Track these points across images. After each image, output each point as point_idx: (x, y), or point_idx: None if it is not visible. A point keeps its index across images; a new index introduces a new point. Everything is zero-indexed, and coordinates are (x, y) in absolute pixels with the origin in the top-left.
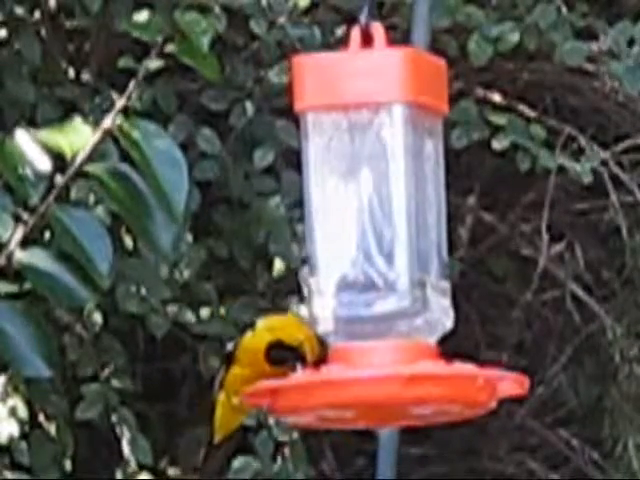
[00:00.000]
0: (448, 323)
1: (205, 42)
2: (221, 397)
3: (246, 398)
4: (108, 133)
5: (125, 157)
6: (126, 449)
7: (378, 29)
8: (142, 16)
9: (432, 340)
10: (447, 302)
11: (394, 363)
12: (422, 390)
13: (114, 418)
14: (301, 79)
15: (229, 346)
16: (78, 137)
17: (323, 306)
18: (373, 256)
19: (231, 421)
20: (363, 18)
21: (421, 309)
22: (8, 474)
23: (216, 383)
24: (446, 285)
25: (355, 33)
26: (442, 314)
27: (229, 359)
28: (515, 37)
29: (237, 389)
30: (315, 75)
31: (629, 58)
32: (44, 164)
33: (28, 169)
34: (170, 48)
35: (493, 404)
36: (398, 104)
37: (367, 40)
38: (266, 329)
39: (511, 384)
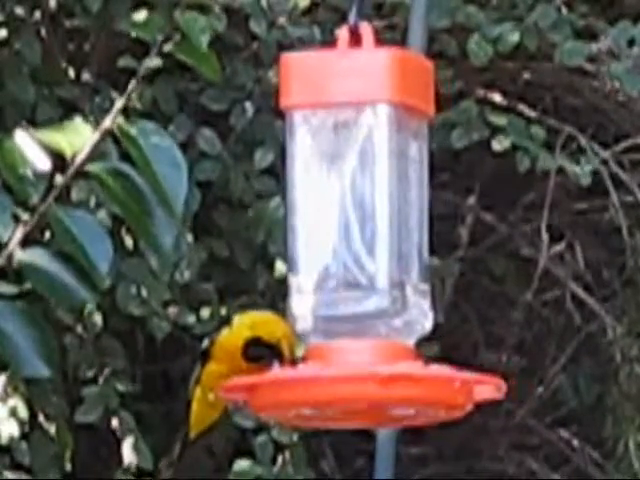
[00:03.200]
0: (427, 325)
1: (204, 40)
2: (197, 393)
3: (222, 393)
4: (108, 133)
5: (125, 157)
6: (126, 454)
7: (367, 29)
8: (141, 15)
9: (410, 341)
10: (427, 304)
11: (372, 363)
12: (399, 391)
13: (114, 422)
14: (288, 77)
15: (205, 342)
16: (78, 137)
17: (302, 304)
18: (354, 255)
19: (207, 417)
20: (352, 18)
21: (400, 310)
22: (8, 474)
23: (192, 379)
24: (426, 287)
25: (343, 33)
26: (421, 316)
27: (205, 356)
28: (515, 37)
29: (213, 385)
30: (302, 73)
31: (629, 58)
32: (44, 164)
33: (28, 169)
34: (169, 47)
35: (470, 406)
36: (383, 104)
37: (356, 40)
38: (244, 326)
39: (488, 387)
